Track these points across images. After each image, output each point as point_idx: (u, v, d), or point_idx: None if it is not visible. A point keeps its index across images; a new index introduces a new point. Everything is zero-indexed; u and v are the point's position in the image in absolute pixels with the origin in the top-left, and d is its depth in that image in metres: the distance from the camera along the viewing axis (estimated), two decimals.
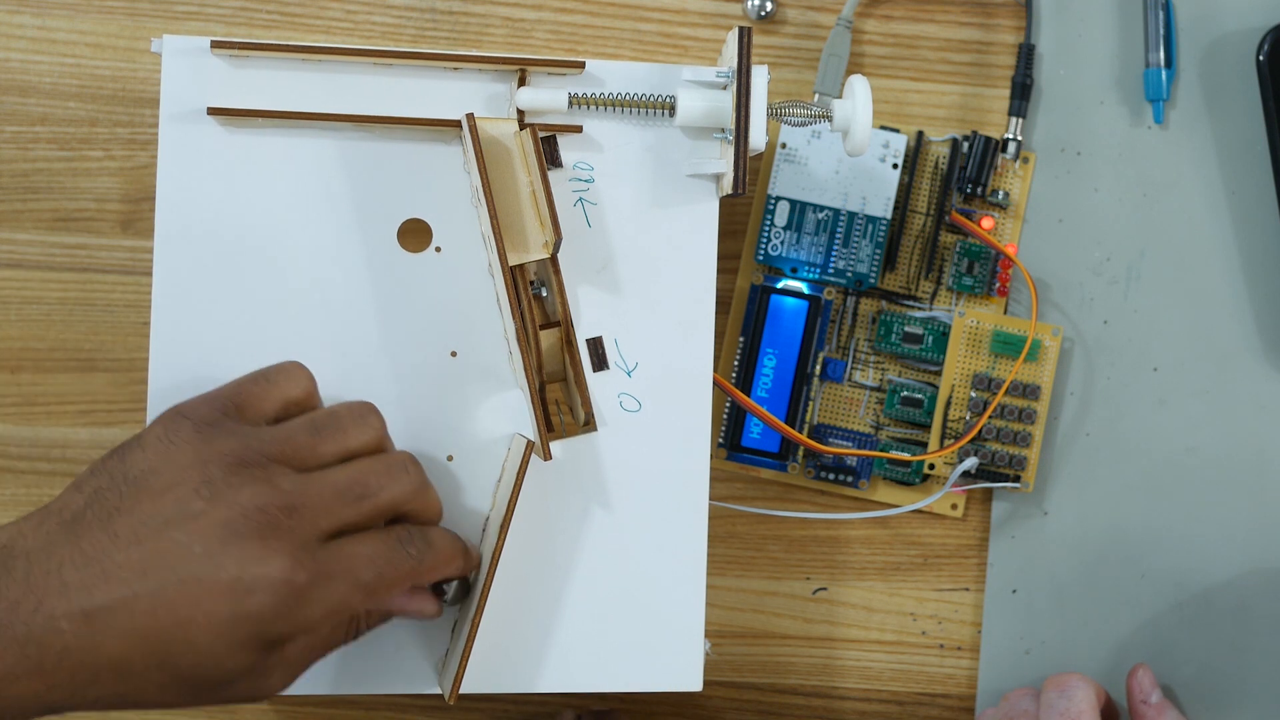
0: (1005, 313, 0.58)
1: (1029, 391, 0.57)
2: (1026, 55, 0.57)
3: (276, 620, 0.40)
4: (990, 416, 0.56)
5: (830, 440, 0.57)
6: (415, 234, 0.49)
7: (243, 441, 0.42)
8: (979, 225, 0.57)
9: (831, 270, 0.57)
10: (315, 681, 0.49)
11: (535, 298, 0.49)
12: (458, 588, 0.47)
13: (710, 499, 0.50)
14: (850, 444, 0.57)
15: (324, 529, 0.42)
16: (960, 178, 0.57)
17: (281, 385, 0.45)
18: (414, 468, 0.45)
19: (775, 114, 0.49)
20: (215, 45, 0.47)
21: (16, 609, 0.39)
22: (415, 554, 0.44)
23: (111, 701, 0.41)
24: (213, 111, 0.47)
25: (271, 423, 0.44)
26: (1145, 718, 0.54)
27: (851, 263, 0.57)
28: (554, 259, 0.48)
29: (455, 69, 0.49)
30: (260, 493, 0.41)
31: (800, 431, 0.56)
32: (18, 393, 0.57)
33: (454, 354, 0.49)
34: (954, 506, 0.58)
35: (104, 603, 0.39)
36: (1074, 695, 0.51)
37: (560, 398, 0.50)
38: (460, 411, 0.49)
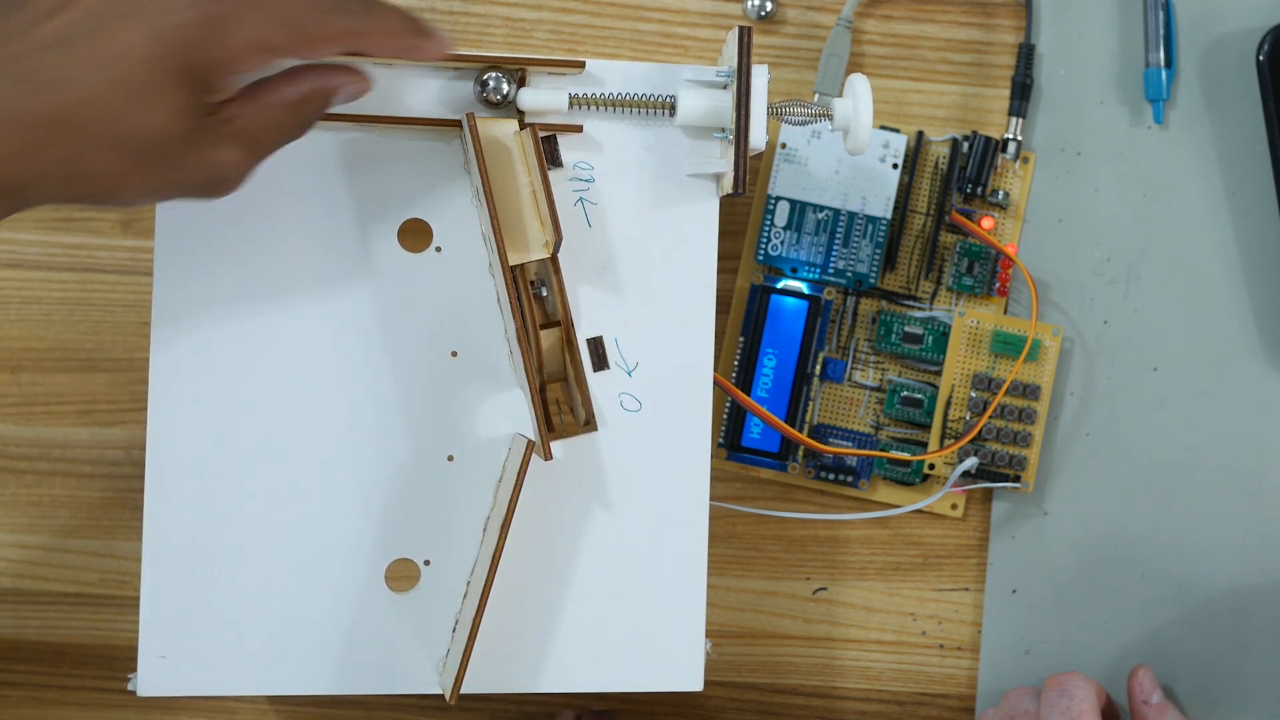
0: (1005, 313, 0.58)
1: (1029, 391, 0.57)
2: (1026, 55, 0.57)
3: (194, 48, 0.39)
4: (990, 416, 0.56)
5: (830, 440, 0.57)
6: (415, 234, 0.49)
7: None
8: (979, 225, 0.57)
9: (831, 270, 0.57)
10: (315, 681, 0.49)
11: (535, 297, 0.49)
12: None
13: (710, 499, 0.50)
14: (850, 444, 0.57)
15: None
16: (960, 178, 0.57)
17: None
18: None
19: (775, 113, 0.49)
20: None
21: None
22: (351, 7, 0.42)
23: (68, 176, 0.40)
24: None
25: None
26: (1146, 718, 0.54)
27: (851, 263, 0.57)
28: (554, 258, 0.48)
29: (455, 69, 0.49)
30: None
31: (800, 431, 0.56)
32: (18, 393, 0.56)
33: (454, 354, 0.49)
34: (954, 506, 0.58)
35: (35, 47, 0.39)
36: (1075, 694, 0.51)
37: (560, 397, 0.50)
38: (460, 411, 0.49)
